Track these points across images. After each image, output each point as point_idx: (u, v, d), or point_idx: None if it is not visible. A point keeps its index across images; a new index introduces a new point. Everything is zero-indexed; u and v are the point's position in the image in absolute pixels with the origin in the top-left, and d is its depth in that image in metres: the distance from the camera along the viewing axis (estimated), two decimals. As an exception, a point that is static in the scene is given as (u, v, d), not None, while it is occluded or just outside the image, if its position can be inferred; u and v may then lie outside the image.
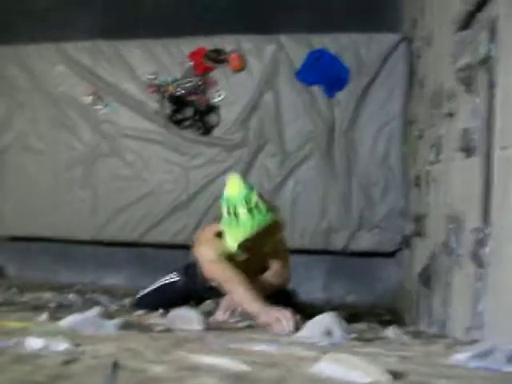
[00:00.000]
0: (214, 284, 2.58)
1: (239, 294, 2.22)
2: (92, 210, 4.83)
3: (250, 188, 2.40)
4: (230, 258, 2.47)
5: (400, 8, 4.52)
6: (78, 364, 1.06)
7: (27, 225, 4.91)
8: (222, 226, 2.46)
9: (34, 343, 1.18)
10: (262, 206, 2.35)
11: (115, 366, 1.00)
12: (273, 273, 2.65)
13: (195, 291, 2.81)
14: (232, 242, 2.40)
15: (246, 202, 2.33)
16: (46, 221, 4.86)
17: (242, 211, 2.32)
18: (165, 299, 2.72)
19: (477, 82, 1.91)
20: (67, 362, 1.06)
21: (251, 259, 2.52)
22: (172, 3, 4.88)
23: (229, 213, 2.35)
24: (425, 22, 3.46)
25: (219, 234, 2.49)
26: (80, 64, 4.87)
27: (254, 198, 2.34)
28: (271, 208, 2.43)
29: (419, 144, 3.58)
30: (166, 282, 2.92)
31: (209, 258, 2.46)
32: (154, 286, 2.95)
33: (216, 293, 2.55)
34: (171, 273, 2.96)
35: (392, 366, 1.10)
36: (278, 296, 2.50)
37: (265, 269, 2.68)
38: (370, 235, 4.47)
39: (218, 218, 2.58)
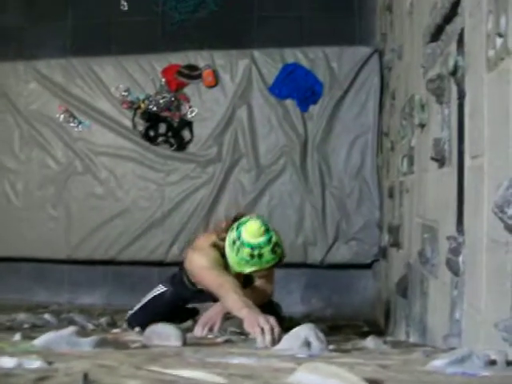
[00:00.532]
0: (201, 287, 2.58)
1: (230, 299, 2.21)
2: (66, 229, 4.77)
3: (268, 229, 2.41)
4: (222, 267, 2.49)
5: (371, 22, 4.60)
6: (51, 381, 1.04)
7: (0, 245, 4.83)
8: (227, 250, 2.46)
9: (6, 362, 1.16)
10: (268, 256, 2.39)
11: (85, 378, 0.99)
12: (257, 286, 2.66)
13: (184, 298, 2.80)
14: (237, 268, 2.45)
15: (269, 242, 2.37)
16: (20, 240, 4.80)
17: (245, 251, 2.36)
18: (155, 313, 2.66)
19: (447, 92, 1.94)
20: (40, 380, 1.04)
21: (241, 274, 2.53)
22: (144, 20, 4.89)
23: (252, 256, 2.36)
24: (394, 36, 3.52)
25: (215, 245, 2.51)
26: (53, 81, 4.85)
27: (263, 250, 2.36)
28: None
29: (392, 155, 3.62)
30: (155, 295, 2.89)
31: (201, 265, 2.45)
32: (142, 303, 2.91)
33: (205, 296, 2.55)
34: (157, 286, 2.93)
35: (370, 375, 1.10)
36: (264, 308, 2.50)
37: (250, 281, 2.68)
38: (346, 247, 4.49)
39: (216, 229, 2.63)
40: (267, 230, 2.38)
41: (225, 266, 2.48)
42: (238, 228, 2.40)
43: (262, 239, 2.35)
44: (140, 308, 2.90)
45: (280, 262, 2.47)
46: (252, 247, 2.34)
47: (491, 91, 1.42)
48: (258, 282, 2.69)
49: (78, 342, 1.37)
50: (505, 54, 1.28)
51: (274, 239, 2.38)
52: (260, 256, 2.36)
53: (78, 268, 4.86)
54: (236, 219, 2.53)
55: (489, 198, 1.42)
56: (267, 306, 2.66)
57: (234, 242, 2.39)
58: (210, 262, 2.43)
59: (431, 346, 2.01)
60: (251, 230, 2.36)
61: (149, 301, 2.89)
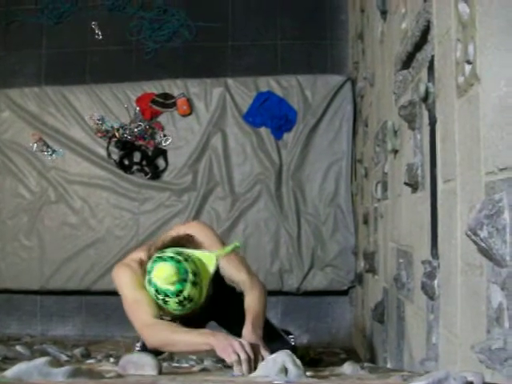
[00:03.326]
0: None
1: (183, 337, 2.00)
2: (39, 259, 4.70)
3: (183, 280, 2.03)
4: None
5: (343, 50, 4.68)
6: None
7: (-29, 276, 4.74)
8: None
9: (-23, 395, 1.13)
10: (195, 294, 2.06)
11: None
12: (247, 291, 2.31)
13: None
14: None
15: (177, 295, 2.04)
16: (-9, 271, 4.71)
17: (172, 301, 2.05)
18: None
19: (419, 118, 1.98)
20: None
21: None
22: (119, 49, 4.92)
23: (156, 297, 2.07)
24: (366, 64, 3.58)
25: (141, 262, 2.22)
26: (26, 110, 4.82)
27: (186, 292, 2.04)
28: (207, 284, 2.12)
29: (366, 182, 3.65)
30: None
31: (141, 324, 2.11)
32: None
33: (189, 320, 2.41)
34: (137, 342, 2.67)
35: (349, 400, 1.09)
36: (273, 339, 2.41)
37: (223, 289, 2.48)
38: (322, 274, 4.49)
39: (150, 246, 2.29)
40: (182, 281, 2.01)
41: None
42: (154, 261, 2.08)
43: (171, 288, 2.03)
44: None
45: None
46: (157, 290, 2.05)
47: (461, 116, 1.45)
48: (241, 283, 2.35)
49: (50, 373, 1.33)
50: (474, 80, 1.31)
51: (185, 293, 2.02)
52: (165, 302, 2.06)
53: (52, 298, 4.78)
54: (174, 242, 2.21)
55: (462, 221, 1.44)
56: (276, 337, 2.57)
57: (148, 272, 2.09)
58: (150, 317, 2.10)
59: (409, 370, 2.01)
60: (160, 274, 2.03)
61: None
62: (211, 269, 2.14)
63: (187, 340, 1.99)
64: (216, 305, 2.40)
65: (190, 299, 2.05)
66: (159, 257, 2.07)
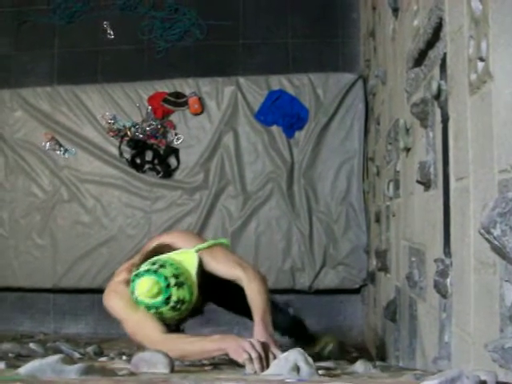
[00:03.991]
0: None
1: (199, 349, 2.00)
2: (52, 258, 4.73)
3: (166, 286, 2.08)
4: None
5: (354, 48, 4.67)
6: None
7: (-15, 274, 4.78)
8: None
9: (-9, 392, 1.14)
10: (184, 295, 2.10)
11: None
12: (245, 286, 2.25)
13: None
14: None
15: (166, 303, 2.09)
16: (5, 269, 4.74)
17: (166, 310, 2.10)
18: None
19: (431, 116, 1.97)
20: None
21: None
22: (131, 48, 4.94)
23: (150, 312, 2.11)
24: (378, 61, 3.57)
25: (127, 282, 2.22)
26: (38, 109, 4.84)
27: (175, 296, 2.08)
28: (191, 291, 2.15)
29: (377, 180, 3.64)
30: None
31: (153, 343, 2.06)
32: None
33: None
34: None
35: (361, 398, 1.09)
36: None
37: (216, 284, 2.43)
38: (334, 272, 4.48)
39: (129, 263, 2.34)
40: (165, 288, 2.07)
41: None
42: (133, 280, 2.13)
43: (158, 299, 2.08)
44: None
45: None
46: (147, 306, 2.10)
47: (474, 114, 1.44)
48: (237, 277, 2.29)
49: (63, 370, 1.34)
50: (486, 78, 1.30)
51: (174, 298, 2.08)
52: (159, 313, 2.11)
53: (64, 297, 4.81)
54: (155, 252, 2.26)
55: (475, 220, 1.43)
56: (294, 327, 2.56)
57: (132, 292, 2.14)
58: (159, 332, 2.10)
59: (421, 369, 2.00)
60: (142, 291, 2.09)
61: None
62: (194, 263, 2.17)
63: (200, 349, 2.01)
64: (213, 292, 2.42)
65: (181, 301, 2.09)
66: (135, 275, 2.13)
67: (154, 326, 2.11)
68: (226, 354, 1.95)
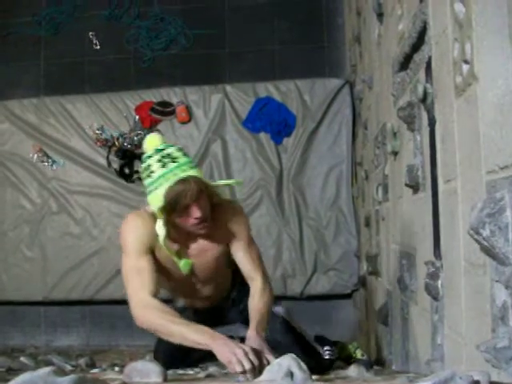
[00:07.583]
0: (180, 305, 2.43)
1: (183, 333, 1.84)
2: (42, 270, 4.70)
3: (170, 146, 2.03)
4: (169, 276, 2.18)
5: (340, 54, 4.69)
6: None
7: (-26, 288, 4.74)
8: (149, 198, 2.04)
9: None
10: (179, 155, 1.99)
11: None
12: (257, 293, 2.23)
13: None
14: (155, 207, 2.01)
15: (157, 151, 1.99)
16: (-6, 283, 4.71)
17: (155, 164, 1.97)
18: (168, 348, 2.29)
19: (418, 119, 1.98)
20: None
21: (197, 272, 2.23)
22: (117, 58, 4.93)
23: (163, 163, 1.96)
24: (364, 66, 3.59)
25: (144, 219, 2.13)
26: (25, 121, 4.83)
27: (169, 150, 1.99)
28: (199, 171, 2.01)
29: (366, 185, 3.65)
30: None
31: (136, 300, 1.94)
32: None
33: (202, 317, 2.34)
34: None
35: (355, 402, 1.09)
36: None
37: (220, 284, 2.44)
38: (325, 278, 4.49)
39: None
40: (167, 144, 2.02)
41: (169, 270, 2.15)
42: (144, 160, 2.04)
43: (165, 144, 2.01)
44: (156, 342, 2.61)
45: (190, 193, 1.95)
46: (157, 151, 1.97)
47: (460, 116, 1.45)
48: (247, 275, 2.28)
49: (55, 382, 1.33)
50: (472, 80, 1.31)
51: (168, 151, 1.98)
52: (172, 158, 1.96)
53: (55, 309, 4.78)
54: None
55: (464, 221, 1.44)
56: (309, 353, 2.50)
57: (147, 175, 1.99)
58: (146, 295, 1.94)
59: (414, 371, 2.01)
60: (151, 141, 2.02)
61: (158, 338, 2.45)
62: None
63: (184, 334, 1.84)
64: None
65: (172, 158, 1.96)
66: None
67: (149, 283, 1.96)
68: (210, 352, 1.82)
